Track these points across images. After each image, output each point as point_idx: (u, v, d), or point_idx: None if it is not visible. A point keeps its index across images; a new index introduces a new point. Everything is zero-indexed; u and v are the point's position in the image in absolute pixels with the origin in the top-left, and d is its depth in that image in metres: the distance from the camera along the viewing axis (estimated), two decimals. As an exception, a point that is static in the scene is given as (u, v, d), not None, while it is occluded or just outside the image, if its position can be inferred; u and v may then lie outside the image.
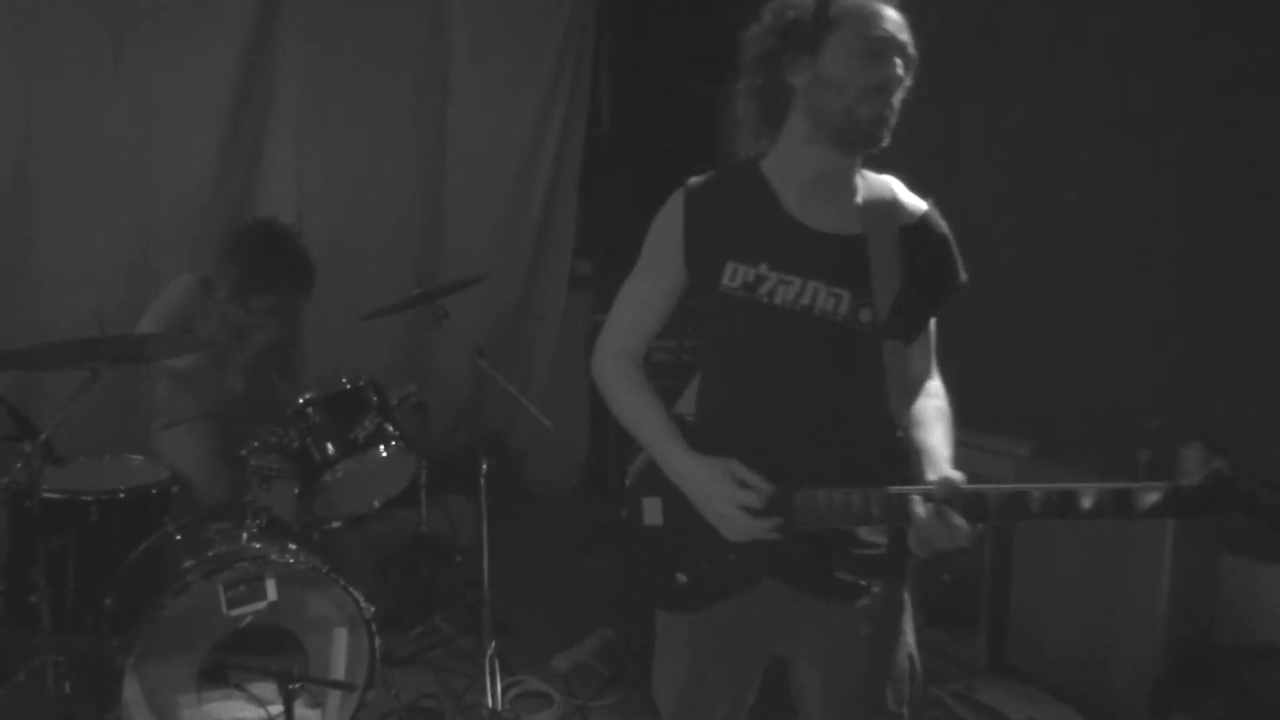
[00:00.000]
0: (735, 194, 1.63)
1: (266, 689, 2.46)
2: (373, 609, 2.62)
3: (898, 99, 1.52)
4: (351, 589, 2.58)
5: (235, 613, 2.45)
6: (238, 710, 2.47)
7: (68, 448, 2.87)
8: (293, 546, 2.61)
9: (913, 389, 1.64)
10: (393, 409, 3.16)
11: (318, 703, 2.58)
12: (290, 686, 2.35)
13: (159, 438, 3.18)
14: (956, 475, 1.45)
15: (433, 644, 3.34)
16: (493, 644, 3.00)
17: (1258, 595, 2.95)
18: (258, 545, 2.56)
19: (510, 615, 3.48)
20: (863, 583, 1.56)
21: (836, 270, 1.55)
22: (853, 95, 1.49)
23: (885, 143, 1.53)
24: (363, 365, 3.38)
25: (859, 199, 1.61)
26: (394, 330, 4.25)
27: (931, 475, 1.49)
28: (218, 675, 2.46)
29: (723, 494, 1.53)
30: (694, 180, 1.67)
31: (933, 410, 1.63)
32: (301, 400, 2.97)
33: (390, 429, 3.08)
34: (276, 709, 2.34)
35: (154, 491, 2.83)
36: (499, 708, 2.88)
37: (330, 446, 2.96)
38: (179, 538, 2.66)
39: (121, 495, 2.77)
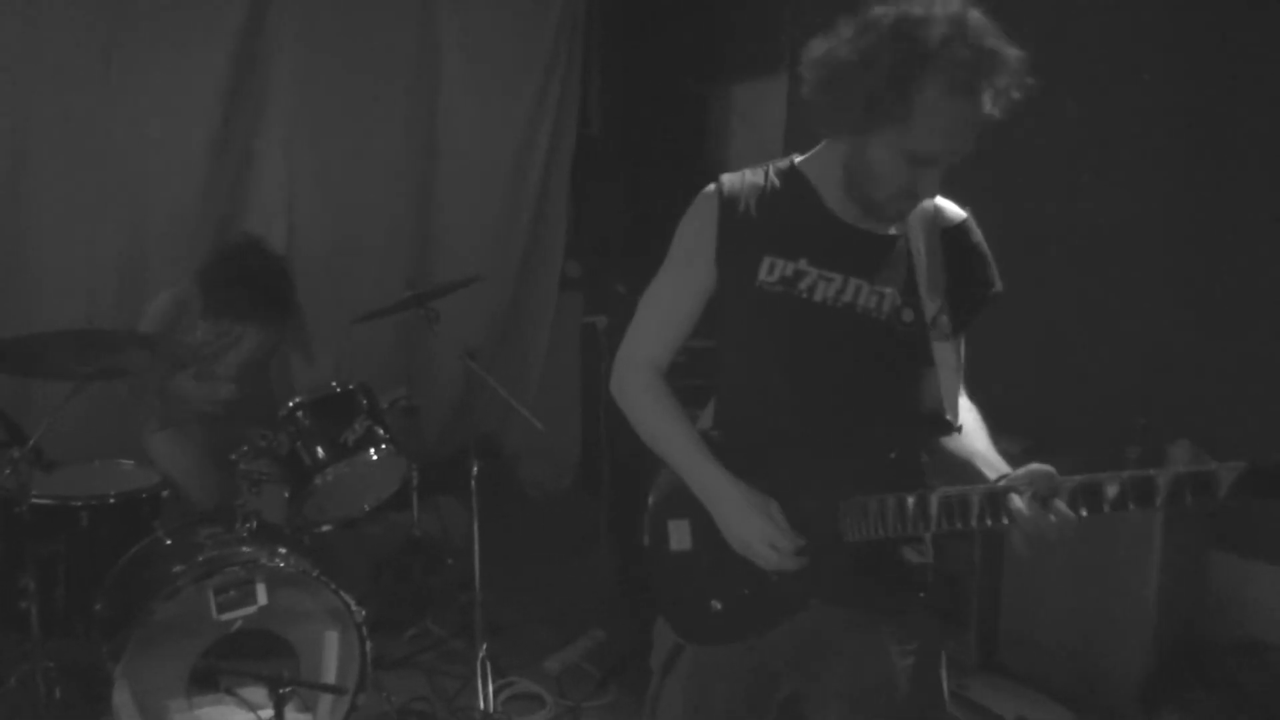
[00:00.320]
0: (772, 190, 1.55)
1: (257, 693, 2.45)
2: (364, 612, 2.62)
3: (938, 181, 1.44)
4: (342, 592, 2.58)
5: (226, 617, 2.44)
6: (228, 715, 2.46)
7: (58, 453, 2.86)
8: (283, 550, 2.61)
9: (955, 380, 1.54)
10: (383, 412, 3.16)
11: (308, 707, 2.58)
12: (281, 691, 2.35)
13: (149, 442, 3.18)
14: (1047, 468, 1.33)
15: (425, 646, 3.34)
16: (484, 646, 3.00)
17: (1246, 592, 2.97)
18: (248, 549, 2.56)
19: (503, 617, 3.48)
20: (920, 594, 1.51)
21: (880, 268, 1.49)
22: (917, 175, 1.40)
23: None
24: (354, 368, 3.38)
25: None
26: (385, 333, 4.25)
27: (993, 475, 1.41)
28: (208, 680, 2.45)
29: (758, 529, 1.44)
30: (728, 177, 1.58)
31: (974, 421, 1.57)
32: (291, 404, 2.97)
33: (381, 432, 3.08)
34: (267, 713, 2.34)
35: (144, 496, 2.83)
36: (491, 710, 2.89)
37: (320, 450, 2.96)
38: (169, 542, 2.66)
39: (111, 500, 2.77)
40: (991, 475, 1.41)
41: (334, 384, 3.08)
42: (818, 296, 1.49)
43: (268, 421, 2.96)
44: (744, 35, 4.63)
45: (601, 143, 4.89)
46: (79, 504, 2.72)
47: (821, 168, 1.55)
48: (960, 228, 1.57)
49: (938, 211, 1.56)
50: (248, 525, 2.66)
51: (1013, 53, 1.38)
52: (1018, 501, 1.31)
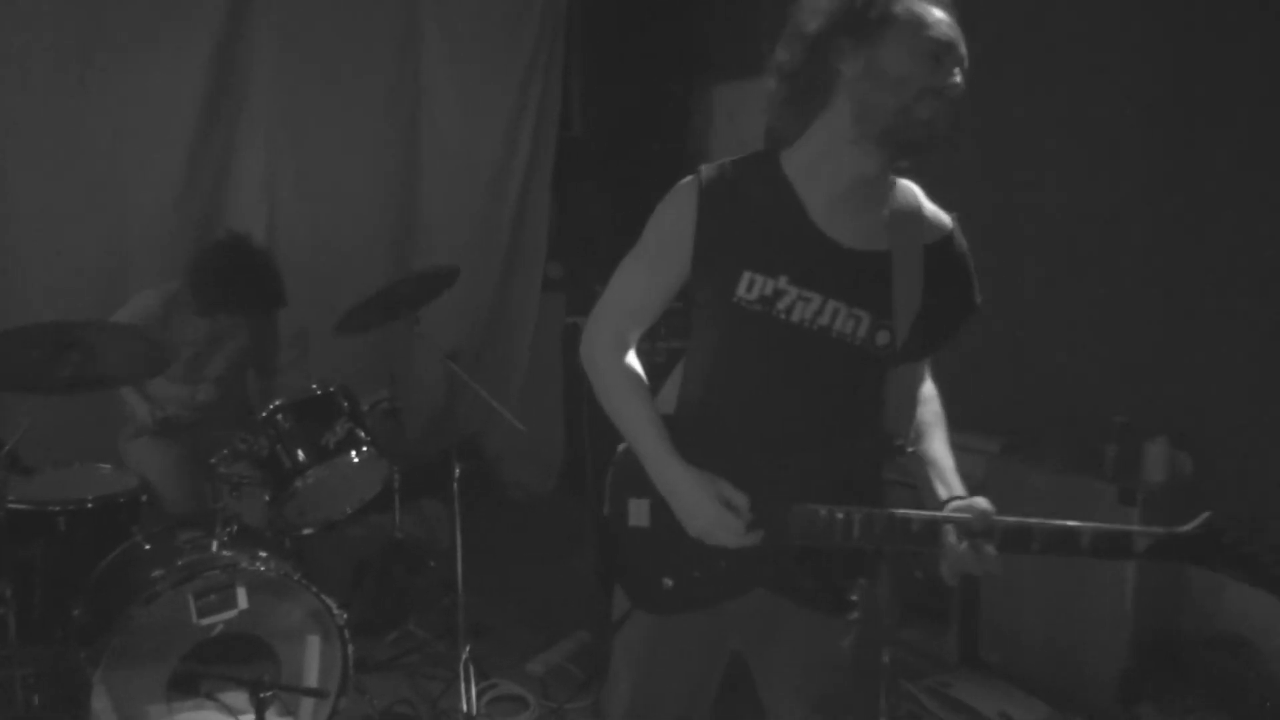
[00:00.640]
0: (755, 194, 1.50)
1: (238, 698, 2.45)
2: (346, 615, 2.61)
3: (954, 112, 1.42)
4: (324, 596, 2.57)
5: (206, 621, 2.43)
6: (209, 720, 2.46)
7: (34, 457, 2.85)
8: (263, 554, 2.60)
9: (912, 401, 1.60)
10: (364, 414, 3.15)
11: (290, 711, 2.57)
12: (262, 695, 2.35)
13: (127, 447, 3.15)
14: (985, 503, 1.42)
15: (408, 649, 3.33)
16: (467, 648, 3.00)
17: (1223, 586, 2.99)
18: (228, 553, 2.55)
19: (486, 619, 3.48)
20: (853, 597, 1.55)
21: (859, 290, 1.47)
22: (912, 94, 1.38)
23: (934, 152, 1.44)
24: (335, 370, 3.37)
25: (887, 210, 1.52)
26: (366, 335, 4.23)
27: (943, 492, 1.49)
28: (188, 685, 2.44)
29: (709, 513, 1.49)
30: (708, 170, 1.53)
31: (931, 417, 1.61)
32: (271, 406, 2.96)
33: (362, 434, 3.07)
34: (248, 718, 2.33)
35: (122, 501, 2.81)
36: (474, 712, 2.88)
37: (301, 453, 2.95)
38: (148, 547, 2.64)
39: (89, 505, 2.75)
40: (942, 491, 1.49)
41: (314, 386, 3.07)
42: (795, 318, 1.48)
43: (247, 425, 2.95)
44: (725, 36, 4.65)
45: (583, 144, 4.90)
46: (56, 509, 2.70)
47: (806, 165, 1.50)
48: (945, 241, 1.55)
49: (924, 222, 1.54)
50: (228, 529, 2.65)
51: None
52: (951, 536, 1.40)
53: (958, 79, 1.42)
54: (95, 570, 2.64)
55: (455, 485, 3.07)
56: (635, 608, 1.65)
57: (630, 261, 1.62)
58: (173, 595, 2.39)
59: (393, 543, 3.59)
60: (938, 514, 1.45)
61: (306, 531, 3.19)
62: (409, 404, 3.67)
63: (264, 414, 2.95)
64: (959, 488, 1.50)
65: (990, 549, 1.39)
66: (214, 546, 2.57)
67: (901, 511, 1.45)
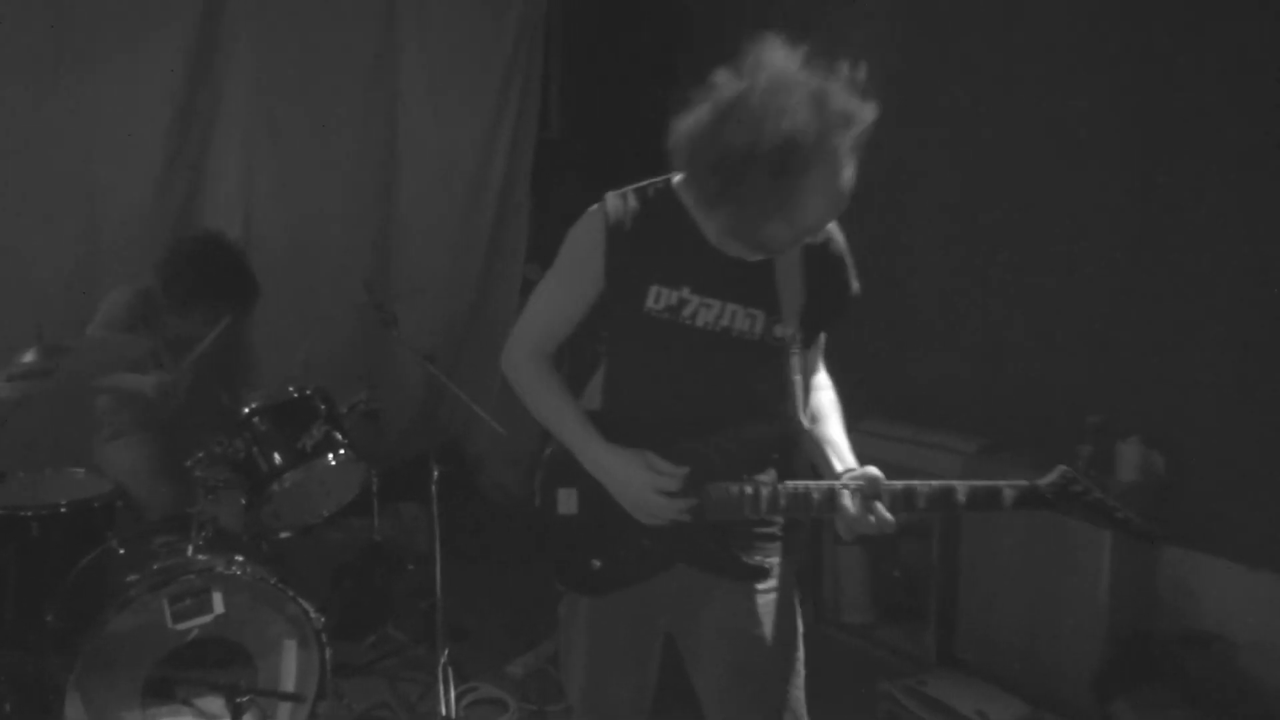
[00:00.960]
0: (655, 218, 1.68)
1: (214, 703, 2.44)
2: (323, 619, 2.60)
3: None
4: (301, 600, 2.56)
5: (181, 626, 2.41)
6: (185, 725, 2.44)
7: (7, 462, 2.82)
8: (240, 558, 2.58)
9: (808, 384, 1.79)
10: (342, 417, 3.14)
11: (267, 716, 2.55)
12: (238, 700, 2.34)
13: (102, 451, 3.12)
14: (876, 471, 1.63)
15: (386, 653, 3.32)
16: (446, 651, 2.98)
17: (1195, 585, 3.04)
18: (203, 557, 2.53)
19: (467, 622, 3.47)
20: (766, 564, 1.74)
21: (751, 293, 1.68)
22: (777, 244, 1.58)
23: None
24: (314, 373, 3.35)
25: None
26: (345, 337, 4.22)
27: (839, 465, 1.70)
28: (164, 690, 2.42)
29: (640, 480, 1.64)
30: (612, 199, 1.70)
31: (826, 402, 1.82)
32: (247, 409, 2.94)
33: (339, 437, 3.06)
34: (224, 723, 2.32)
35: (96, 505, 2.77)
36: (453, 715, 2.87)
37: (277, 456, 2.93)
38: (122, 552, 2.61)
39: (63, 509, 2.71)
40: (837, 464, 1.71)
41: (291, 388, 3.05)
42: (699, 322, 1.67)
43: (221, 428, 2.93)
44: (704, 39, 4.66)
45: (562, 145, 4.90)
46: (29, 514, 2.66)
47: (697, 200, 1.65)
48: (821, 245, 1.71)
49: None
50: (203, 533, 2.63)
51: (866, 106, 1.48)
52: (846, 499, 1.61)
53: (837, 212, 1.56)
54: (69, 575, 2.61)
55: (434, 488, 3.06)
56: (569, 591, 1.81)
57: (546, 282, 1.79)
58: (148, 600, 2.37)
59: (371, 546, 3.57)
60: (834, 483, 1.65)
61: (284, 535, 3.17)
62: (388, 406, 3.66)
63: (240, 417, 2.93)
64: (852, 461, 1.71)
65: (881, 509, 1.60)
66: (189, 551, 2.55)
67: (804, 483, 1.66)
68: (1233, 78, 2.85)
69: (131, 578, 2.44)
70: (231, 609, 2.47)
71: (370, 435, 3.34)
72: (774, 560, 1.76)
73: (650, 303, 1.66)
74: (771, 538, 1.77)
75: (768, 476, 1.72)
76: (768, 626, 1.75)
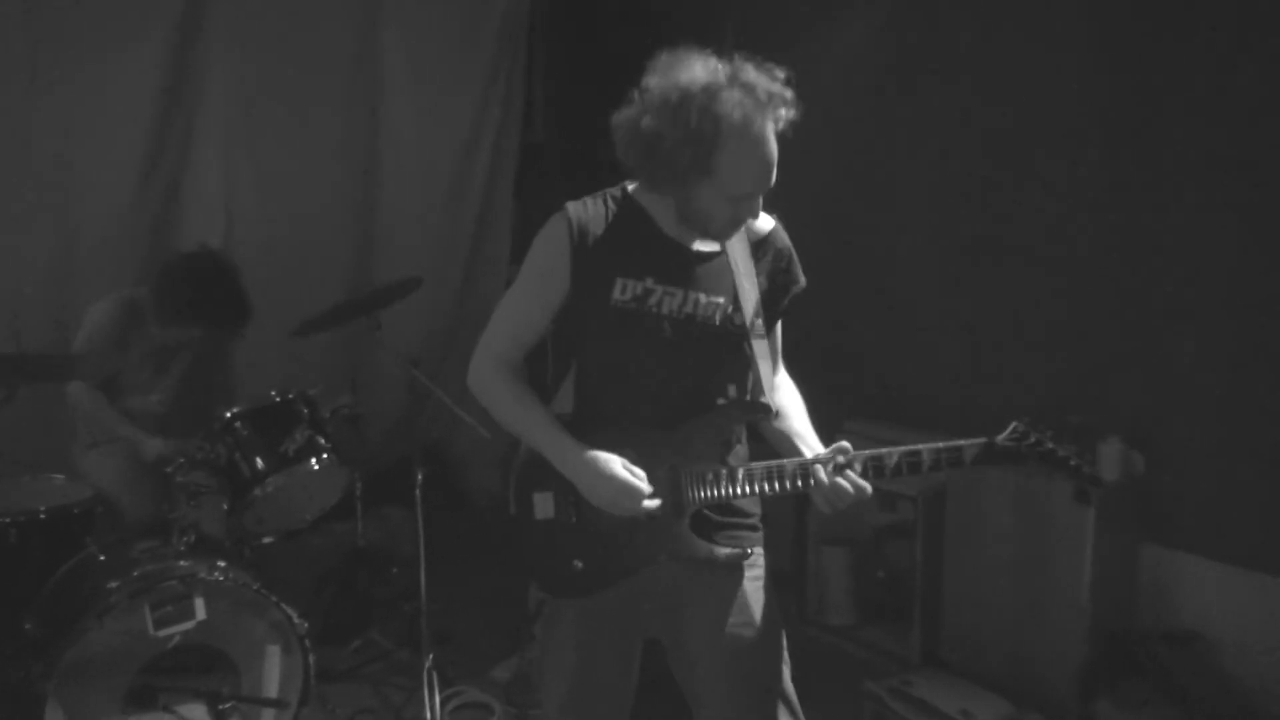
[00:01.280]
0: (616, 217, 1.78)
1: (197, 710, 2.42)
2: (306, 625, 2.59)
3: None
4: (284, 605, 2.55)
5: (163, 633, 2.40)
6: (167, 733, 2.42)
7: (-16, 468, 2.79)
8: (222, 564, 2.57)
9: (771, 369, 1.85)
10: (325, 421, 3.12)
11: (250, 722, 2.54)
12: (221, 706, 2.33)
13: (81, 456, 3.10)
14: (844, 442, 1.71)
15: (371, 658, 3.31)
16: (430, 655, 2.98)
17: (1176, 583, 3.06)
18: (185, 563, 2.52)
19: (452, 626, 3.46)
20: (748, 551, 1.78)
21: (711, 282, 1.77)
22: (740, 208, 1.68)
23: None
24: (296, 378, 3.33)
25: None
26: (328, 342, 4.19)
27: (809, 453, 1.76)
28: (145, 698, 2.40)
29: (615, 481, 1.67)
30: (573, 205, 1.79)
31: (789, 399, 1.89)
32: (229, 414, 2.92)
33: (322, 441, 3.05)
34: (207, 730, 2.30)
35: (76, 511, 2.74)
36: (438, 719, 2.86)
37: (259, 461, 2.92)
38: (103, 558, 2.59)
39: (42, 516, 2.68)
40: (807, 451, 1.77)
41: (273, 393, 3.04)
42: (664, 310, 1.75)
43: (202, 433, 2.91)
44: (686, 42, 4.67)
45: (546, 148, 4.89)
46: (8, 520, 2.63)
47: (651, 199, 1.77)
48: (768, 237, 1.84)
49: (748, 227, 1.81)
50: (185, 539, 2.61)
51: (781, 86, 1.65)
52: (820, 472, 1.69)
53: (760, 183, 1.67)
54: (48, 583, 2.59)
55: (418, 492, 3.05)
56: (552, 596, 1.82)
57: (513, 292, 1.85)
58: (129, 607, 2.36)
59: (355, 551, 3.56)
60: (806, 458, 1.73)
61: (266, 540, 3.16)
62: (371, 410, 3.65)
63: (222, 422, 2.91)
64: (822, 449, 1.77)
65: (855, 475, 1.67)
66: (171, 557, 2.53)
67: (776, 461, 1.73)
68: (1212, 79, 2.88)
69: (112, 584, 2.42)
70: (214, 615, 2.46)
71: (353, 439, 3.32)
72: (756, 549, 1.80)
73: (617, 294, 1.73)
74: (751, 528, 1.82)
75: (738, 457, 1.79)
76: (755, 613, 1.78)
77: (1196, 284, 2.98)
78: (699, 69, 1.63)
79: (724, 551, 1.75)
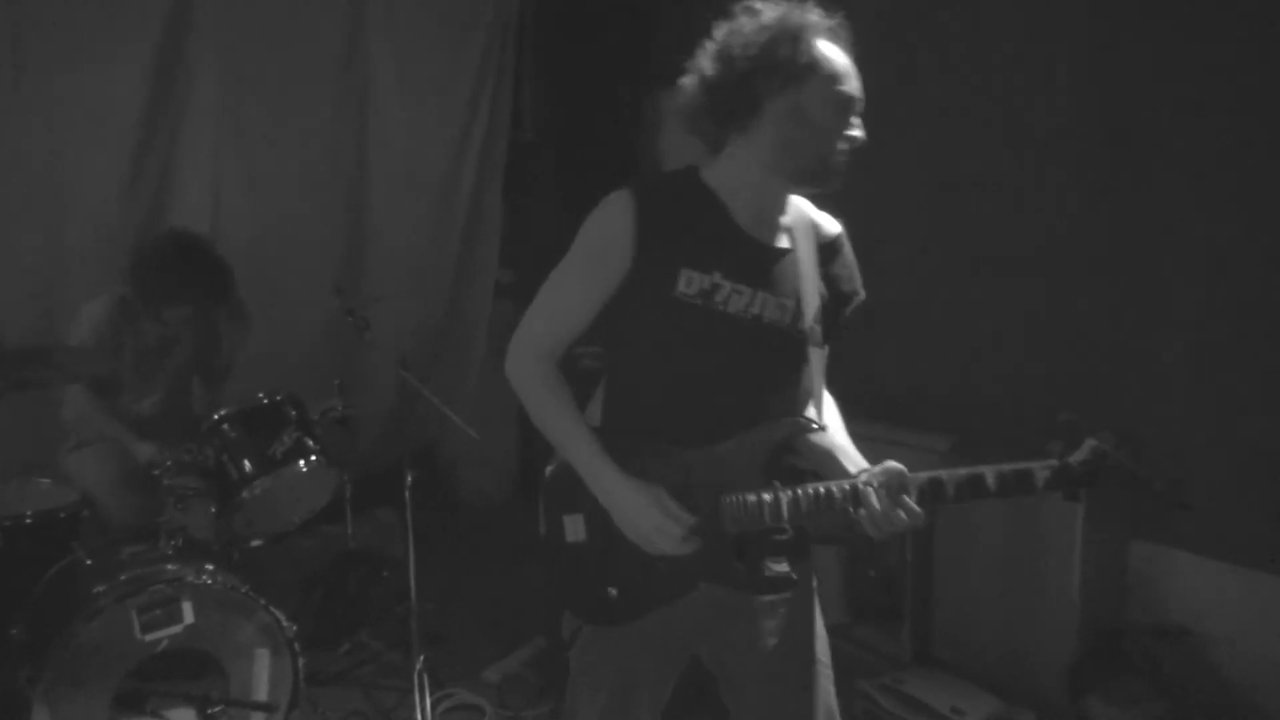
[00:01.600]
0: (684, 201, 1.63)
1: (185, 714, 2.40)
2: (295, 628, 2.57)
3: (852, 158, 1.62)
4: (273, 608, 2.53)
5: (150, 637, 2.38)
6: (155, 737, 2.40)
7: (-31, 473, 2.76)
8: (210, 567, 2.55)
9: (821, 382, 1.74)
10: (313, 423, 3.11)
11: (239, 726, 2.52)
12: (210, 711, 2.32)
13: (68, 460, 3.08)
14: (897, 464, 1.57)
15: (361, 660, 3.29)
16: (421, 657, 2.97)
17: (1165, 578, 3.07)
18: (173, 567, 2.50)
19: (443, 627, 3.45)
20: (794, 575, 1.67)
21: (780, 282, 1.64)
22: (830, 142, 1.57)
23: (829, 190, 1.64)
24: (285, 379, 3.31)
25: (787, 215, 1.69)
26: (316, 342, 4.18)
27: (851, 469, 1.63)
28: (133, 702, 2.39)
29: (653, 519, 1.56)
30: (638, 183, 1.63)
31: (833, 413, 1.77)
32: (217, 417, 2.91)
33: (310, 443, 3.03)
34: (195, 734, 2.29)
35: (63, 515, 2.73)
36: (429, 722, 2.85)
37: (247, 463, 2.90)
38: (90, 562, 2.57)
39: (28, 520, 2.67)
40: (851, 468, 1.64)
41: (261, 395, 3.02)
42: (731, 309, 1.61)
43: (190, 436, 2.89)
44: (674, 40, 4.67)
45: (534, 148, 4.88)
46: (-7, 524, 2.62)
47: (726, 179, 1.64)
48: (835, 242, 1.74)
49: (816, 227, 1.72)
50: (173, 542, 2.60)
51: (835, 18, 1.63)
52: (872, 497, 1.54)
53: (861, 130, 1.61)
54: (35, 587, 2.57)
55: (408, 493, 3.04)
56: (586, 624, 1.69)
57: (561, 276, 1.67)
58: (115, 611, 2.34)
59: (345, 553, 3.54)
60: (857, 481, 1.57)
61: (255, 543, 3.14)
62: (360, 412, 3.63)
63: (209, 424, 2.90)
64: (864, 463, 1.65)
65: (910, 502, 1.53)
66: (158, 560, 2.51)
67: (825, 484, 1.58)
68: (1198, 79, 2.89)
69: (99, 588, 2.41)
70: (202, 619, 2.45)
71: (343, 441, 3.31)
72: (795, 566, 1.70)
73: (681, 287, 1.59)
74: (791, 545, 1.71)
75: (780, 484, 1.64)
76: (799, 634, 1.71)
77: (1184, 282, 2.99)
78: (767, 15, 1.58)
79: (767, 575, 1.64)
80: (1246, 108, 2.79)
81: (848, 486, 1.57)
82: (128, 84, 3.76)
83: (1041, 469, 1.55)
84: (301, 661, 2.57)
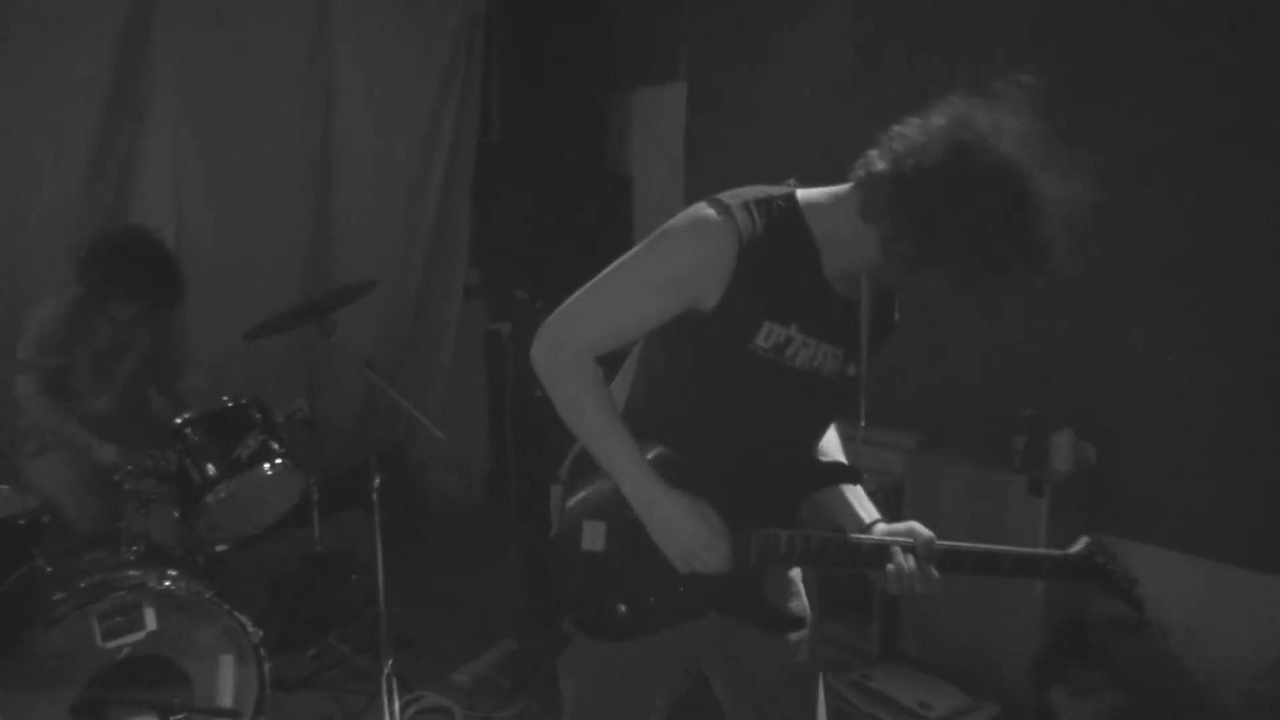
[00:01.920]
0: (781, 244, 1.49)
1: (148, 722, 2.36)
2: (261, 633, 2.55)
3: None
4: (238, 613, 2.50)
5: (112, 644, 2.35)
6: (117, 746, 2.36)
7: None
8: (173, 572, 2.51)
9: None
10: (278, 426, 3.08)
11: (204, 733, 2.49)
12: (172, 718, 2.27)
13: (27, 466, 3.02)
14: (922, 528, 1.58)
15: (328, 665, 3.26)
16: (390, 661, 2.95)
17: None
18: (135, 572, 2.46)
19: (413, 630, 3.43)
20: (803, 614, 1.67)
21: (839, 332, 1.58)
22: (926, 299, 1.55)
23: None
24: (251, 381, 3.28)
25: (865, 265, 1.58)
26: (282, 345, 4.13)
27: (865, 516, 1.62)
28: (94, 711, 2.34)
29: (698, 537, 1.51)
30: (740, 214, 1.47)
31: (834, 443, 1.76)
32: (180, 421, 2.87)
33: (275, 446, 3.00)
34: (158, 742, 2.26)
35: (22, 522, 2.66)
36: (398, 725, 2.84)
37: (211, 467, 2.87)
38: (49, 569, 2.52)
39: (-13, 527, 2.62)
40: (865, 516, 1.62)
41: (225, 398, 2.99)
42: (798, 363, 1.54)
43: (151, 440, 2.85)
44: (642, 42, 4.67)
45: (502, 148, 4.87)
46: (-50, 532, 2.57)
47: (830, 223, 1.50)
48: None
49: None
50: (134, 548, 2.56)
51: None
52: (899, 557, 1.54)
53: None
54: (-8, 595, 2.52)
55: (375, 496, 3.02)
56: (587, 637, 1.63)
57: (630, 279, 1.53)
58: (76, 618, 2.30)
59: (312, 556, 3.51)
60: (886, 539, 1.57)
61: (220, 548, 3.10)
62: (327, 414, 3.60)
63: (173, 428, 2.86)
64: (876, 512, 1.64)
65: (933, 571, 1.54)
66: (120, 566, 2.48)
67: (854, 536, 1.58)
68: (1162, 77, 2.93)
69: (59, 595, 2.36)
70: (164, 625, 2.41)
71: (309, 444, 3.28)
72: (807, 605, 1.69)
73: (760, 340, 1.50)
74: (796, 582, 1.70)
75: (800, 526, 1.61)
76: (801, 673, 1.70)
77: (1145, 280, 3.03)
78: (1051, 170, 1.44)
79: (780, 613, 1.64)
80: (1212, 106, 2.83)
81: (876, 543, 1.55)
82: (87, 83, 3.70)
83: (1046, 557, 1.63)
84: (268, 666, 2.54)
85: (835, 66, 3.71)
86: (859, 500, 1.64)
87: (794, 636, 1.67)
